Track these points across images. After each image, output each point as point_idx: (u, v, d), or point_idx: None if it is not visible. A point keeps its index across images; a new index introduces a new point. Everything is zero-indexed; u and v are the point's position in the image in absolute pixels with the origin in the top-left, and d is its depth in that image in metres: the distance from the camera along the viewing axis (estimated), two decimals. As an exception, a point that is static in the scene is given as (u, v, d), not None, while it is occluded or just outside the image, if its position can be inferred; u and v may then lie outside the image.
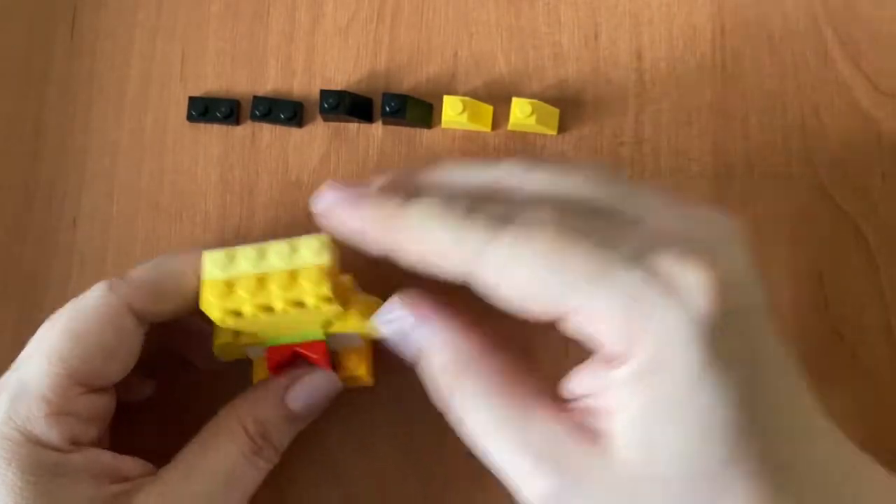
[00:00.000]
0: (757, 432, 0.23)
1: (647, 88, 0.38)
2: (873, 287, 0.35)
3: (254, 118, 0.38)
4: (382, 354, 0.32)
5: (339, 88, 0.38)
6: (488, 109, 0.37)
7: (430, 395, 0.27)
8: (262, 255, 0.29)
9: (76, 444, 0.29)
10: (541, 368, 0.26)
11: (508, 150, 0.37)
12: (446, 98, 0.37)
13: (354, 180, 0.30)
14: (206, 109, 0.38)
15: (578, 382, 0.25)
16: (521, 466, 0.25)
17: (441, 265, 0.26)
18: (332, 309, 0.30)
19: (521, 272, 0.24)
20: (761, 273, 0.25)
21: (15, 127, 0.39)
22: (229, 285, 0.29)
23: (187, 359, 0.34)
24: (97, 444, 0.30)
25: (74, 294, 0.31)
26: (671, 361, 0.23)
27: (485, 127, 0.37)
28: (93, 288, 0.30)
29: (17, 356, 0.30)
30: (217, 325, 0.31)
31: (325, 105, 0.37)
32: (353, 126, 0.38)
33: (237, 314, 0.29)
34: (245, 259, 0.29)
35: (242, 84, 0.39)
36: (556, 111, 0.37)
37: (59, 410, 0.29)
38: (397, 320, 0.29)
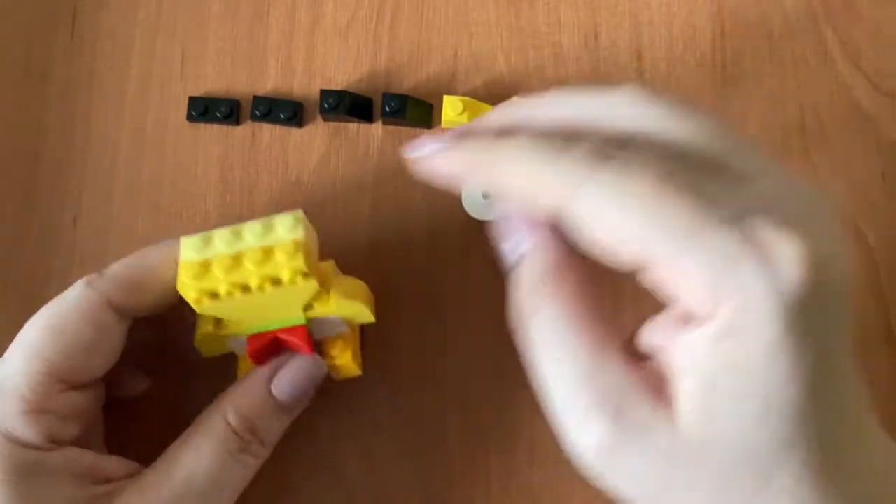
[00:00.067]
0: (817, 419, 0.22)
1: (647, 88, 0.38)
2: (873, 287, 0.35)
3: (254, 118, 0.38)
4: (382, 354, 0.32)
5: (339, 88, 0.38)
6: (488, 109, 0.37)
7: (510, 311, 0.26)
8: (237, 236, 0.30)
9: (55, 442, 0.29)
10: (622, 318, 0.25)
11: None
12: (446, 98, 0.37)
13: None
14: (206, 109, 0.38)
15: (651, 336, 0.24)
16: (579, 406, 0.24)
17: (537, 198, 0.25)
18: (310, 286, 0.30)
19: (615, 213, 0.23)
20: (851, 262, 0.24)
21: (15, 127, 0.39)
22: (205, 266, 0.29)
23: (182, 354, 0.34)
24: (79, 442, 0.30)
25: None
26: (750, 329, 0.22)
27: (485, 127, 0.37)
28: (73, 285, 0.30)
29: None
30: (198, 316, 0.31)
31: (325, 105, 0.37)
32: (353, 126, 0.38)
33: (214, 295, 0.29)
34: (221, 240, 0.30)
35: (242, 84, 0.39)
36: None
37: (38, 408, 0.28)
38: (510, 218, 0.27)
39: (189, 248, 0.30)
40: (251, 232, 0.29)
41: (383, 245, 0.37)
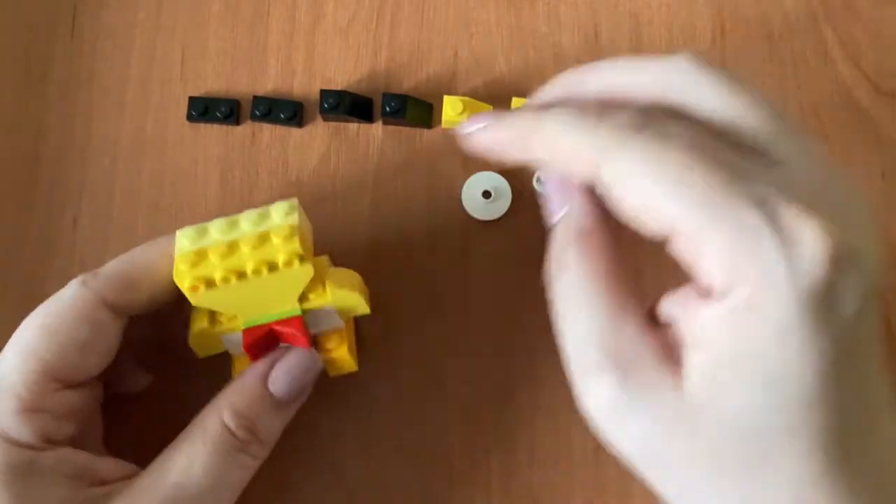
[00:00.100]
0: (827, 407, 0.22)
1: (647, 88, 0.38)
2: (873, 287, 0.35)
3: (254, 118, 0.38)
4: (382, 354, 0.32)
5: (339, 88, 0.38)
6: (488, 109, 0.37)
7: (546, 263, 0.27)
8: (233, 225, 0.30)
9: (50, 441, 0.29)
10: (645, 287, 0.26)
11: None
12: (446, 98, 0.37)
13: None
14: (206, 109, 0.38)
15: (670, 307, 0.25)
16: (593, 358, 0.24)
17: (574, 164, 0.26)
18: (306, 271, 0.30)
19: (645, 181, 0.24)
20: (881, 256, 0.24)
21: (15, 127, 0.39)
22: (200, 254, 0.29)
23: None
24: (76, 442, 0.30)
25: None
26: (765, 309, 0.22)
27: (485, 127, 0.37)
28: (67, 284, 0.30)
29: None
30: (192, 314, 0.31)
31: (325, 105, 0.37)
32: (353, 126, 0.38)
33: (209, 283, 0.29)
34: (217, 230, 0.30)
35: (242, 84, 0.39)
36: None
37: (33, 407, 0.28)
38: (554, 182, 0.28)
39: (185, 239, 0.30)
40: (247, 220, 0.30)
41: (383, 245, 0.37)
